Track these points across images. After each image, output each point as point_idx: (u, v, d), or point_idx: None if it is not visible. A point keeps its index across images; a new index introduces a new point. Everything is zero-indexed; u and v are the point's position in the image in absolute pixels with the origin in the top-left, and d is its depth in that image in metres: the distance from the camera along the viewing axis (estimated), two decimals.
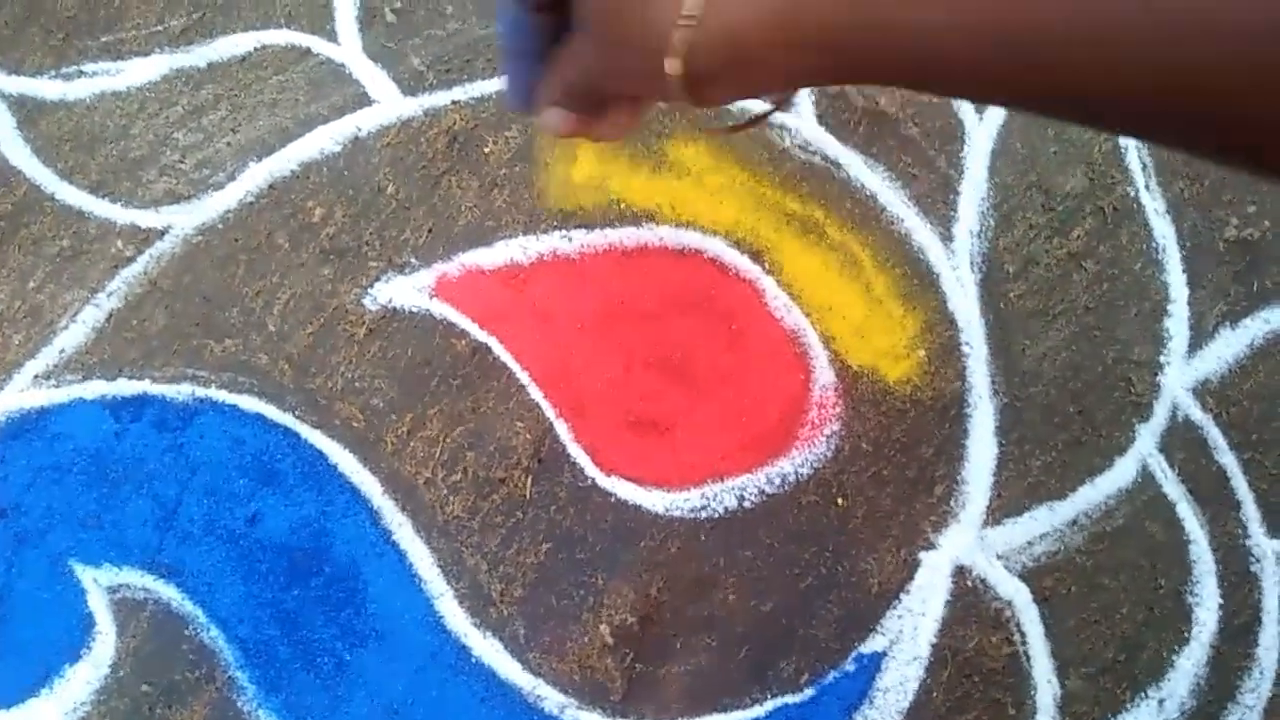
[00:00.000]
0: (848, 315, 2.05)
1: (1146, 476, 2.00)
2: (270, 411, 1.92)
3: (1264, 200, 2.13)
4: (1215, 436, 2.02)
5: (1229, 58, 0.51)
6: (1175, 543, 1.97)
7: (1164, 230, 2.11)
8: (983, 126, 2.16)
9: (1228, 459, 2.01)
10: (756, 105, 2.04)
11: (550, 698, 1.83)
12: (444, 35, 2.14)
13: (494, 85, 2.11)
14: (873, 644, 1.90)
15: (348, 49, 2.13)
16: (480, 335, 1.98)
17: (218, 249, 2.01)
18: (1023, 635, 1.92)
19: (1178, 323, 2.07)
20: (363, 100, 2.10)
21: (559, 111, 0.83)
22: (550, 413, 1.96)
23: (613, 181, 2.07)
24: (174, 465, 1.87)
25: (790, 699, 1.87)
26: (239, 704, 1.81)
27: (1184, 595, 1.96)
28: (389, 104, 2.10)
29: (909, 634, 1.91)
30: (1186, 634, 1.94)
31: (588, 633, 1.87)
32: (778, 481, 1.96)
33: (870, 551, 1.94)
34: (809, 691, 1.88)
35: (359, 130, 2.08)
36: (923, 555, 1.94)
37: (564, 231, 2.04)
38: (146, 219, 2.01)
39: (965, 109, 2.16)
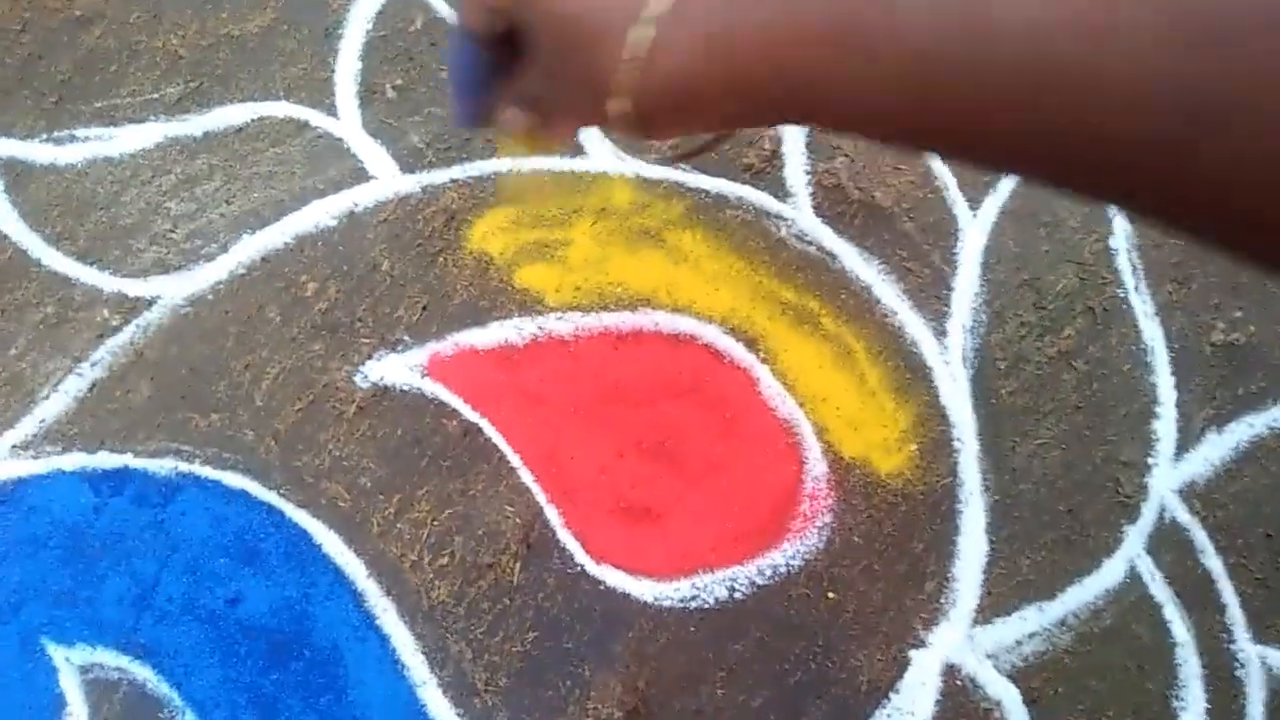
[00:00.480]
0: (841, 406, 2.04)
1: (1134, 577, 1.99)
2: (255, 489, 1.88)
3: (1250, 305, 2.15)
4: (1201, 539, 2.02)
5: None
6: (1162, 646, 1.96)
7: (1153, 332, 2.13)
8: (976, 222, 2.18)
9: (1214, 562, 2.01)
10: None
11: None
12: (444, 114, 2.14)
13: (494, 165, 2.11)
14: None
15: (347, 124, 2.12)
16: (472, 416, 1.96)
17: (207, 321, 1.97)
18: None
19: (1166, 424, 2.08)
20: (360, 176, 2.09)
21: (514, 111, 0.83)
22: (541, 497, 1.93)
23: (611, 264, 2.07)
24: (154, 542, 1.82)
25: None
26: None
27: (1170, 699, 1.94)
28: (387, 180, 2.09)
29: None
30: None
31: None
32: (769, 573, 1.94)
33: (860, 648, 1.92)
34: None
35: (355, 205, 2.07)
36: (913, 653, 1.92)
37: (560, 314, 2.03)
38: (135, 288, 1.98)
39: (960, 205, 2.18)
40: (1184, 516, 2.03)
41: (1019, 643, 1.94)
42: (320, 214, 2.05)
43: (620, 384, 2.01)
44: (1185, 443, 2.08)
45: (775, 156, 2.19)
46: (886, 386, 2.06)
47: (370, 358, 1.97)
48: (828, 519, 1.98)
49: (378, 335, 1.98)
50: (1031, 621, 1.96)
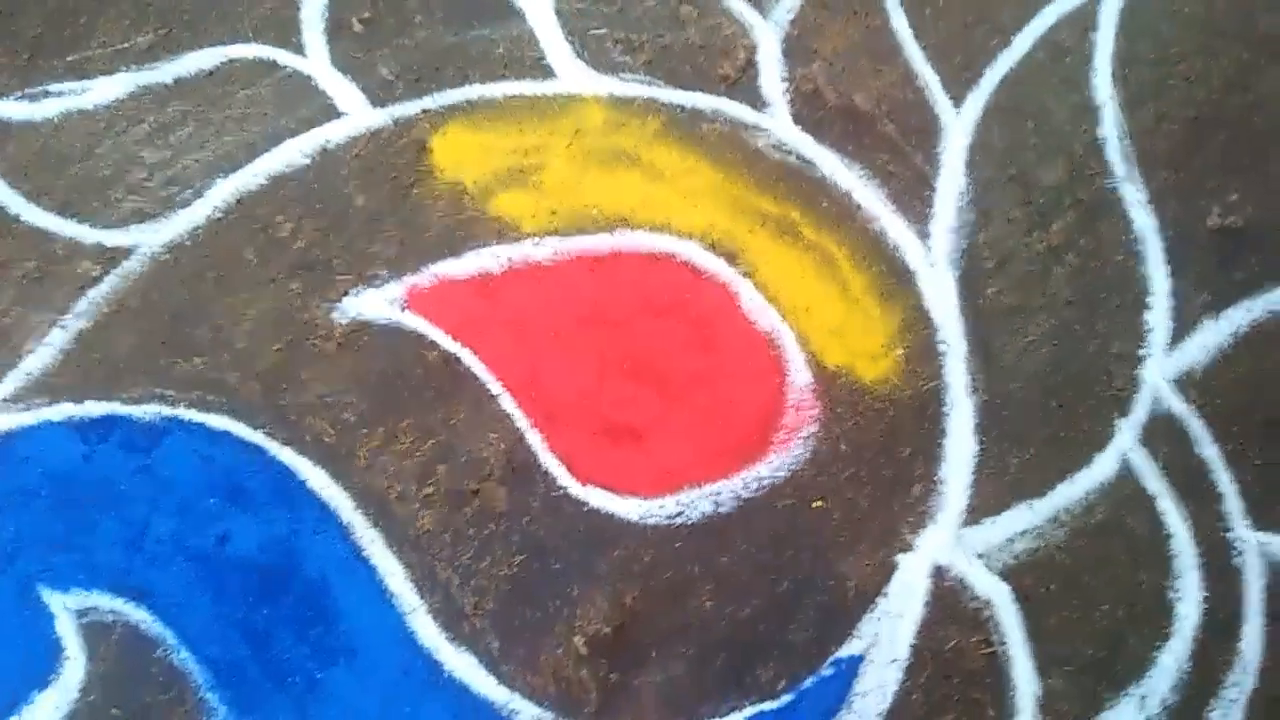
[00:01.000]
0: (824, 316, 2.03)
1: (1127, 471, 1.97)
2: (239, 429, 1.92)
3: (1247, 187, 2.10)
4: (1197, 428, 1.99)
5: None
6: (1156, 538, 1.95)
7: (1145, 221, 2.08)
8: (960, 120, 2.14)
9: (1210, 451, 1.98)
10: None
11: (525, 711, 1.82)
12: (412, 44, 2.14)
13: (463, 93, 2.11)
14: (850, 648, 1.89)
15: (315, 61, 2.12)
16: (452, 346, 1.98)
17: (185, 267, 2.01)
18: (1002, 635, 1.90)
19: (1159, 315, 2.05)
20: (331, 112, 2.09)
21: None
22: (523, 423, 1.95)
23: (586, 186, 2.06)
24: (143, 486, 1.87)
25: (768, 705, 1.86)
26: None
27: (1165, 591, 1.93)
28: (357, 115, 2.09)
29: (887, 637, 1.90)
30: (1168, 630, 1.92)
31: (562, 644, 1.86)
32: (754, 486, 1.95)
33: (847, 554, 1.93)
34: (787, 697, 1.87)
35: (327, 143, 2.07)
36: (900, 557, 1.93)
37: (536, 239, 2.03)
38: (114, 238, 2.02)
39: (942, 104, 2.14)
40: (1179, 406, 2.00)
41: (1009, 541, 1.94)
42: (293, 153, 2.06)
43: (599, 306, 2.01)
44: (1180, 332, 2.04)
45: (750, 65, 2.16)
46: (870, 293, 2.05)
47: (348, 294, 1.99)
48: (813, 429, 1.98)
49: (355, 271, 2.00)
50: (1022, 520, 1.95)
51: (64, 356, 1.95)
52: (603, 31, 2.16)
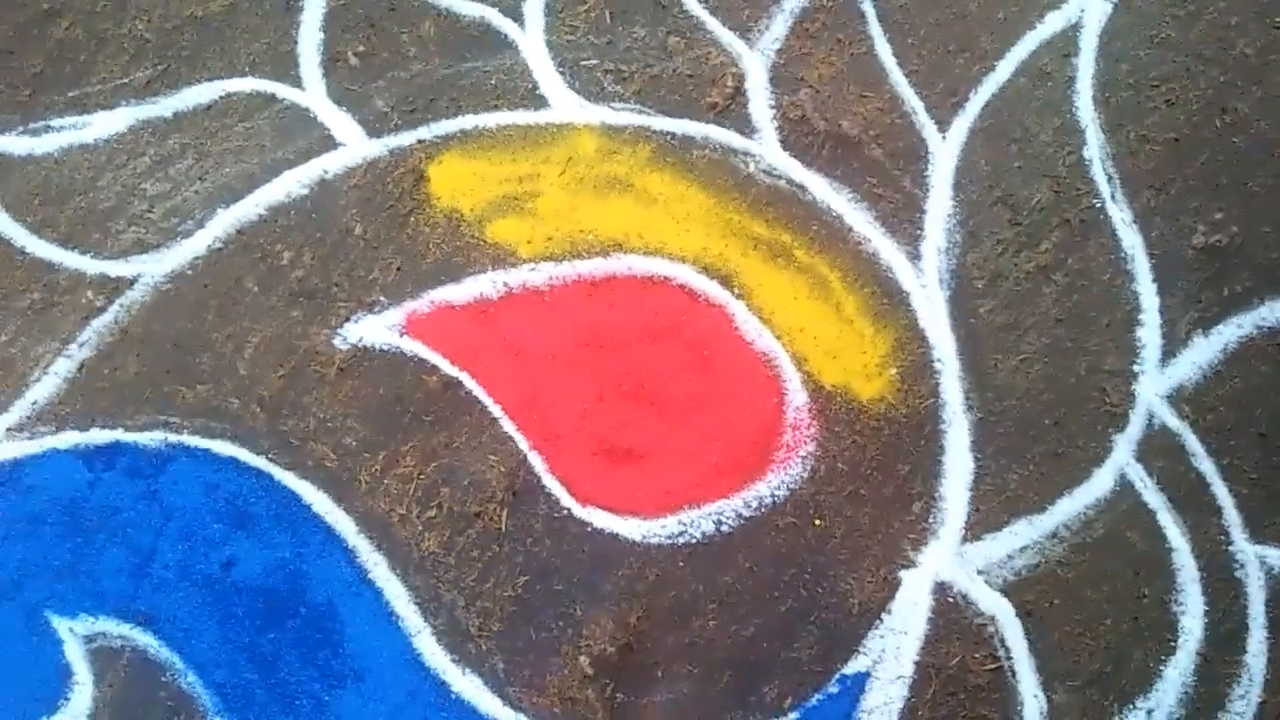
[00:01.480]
0: (819, 336, 2.05)
1: (1125, 486, 1.99)
2: (243, 455, 1.93)
3: (1231, 205, 2.13)
4: (1192, 443, 2.01)
5: None
6: (1157, 551, 1.96)
7: (1132, 240, 2.11)
8: (946, 144, 2.17)
9: (1206, 465, 2.00)
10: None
11: None
12: (407, 76, 2.17)
13: (458, 123, 2.13)
14: (855, 665, 1.90)
15: (312, 94, 2.15)
16: (451, 371, 1.99)
17: (187, 296, 2.02)
18: (1007, 650, 1.91)
19: (1150, 331, 2.07)
20: (328, 143, 2.12)
21: None
22: (524, 445, 1.96)
23: (580, 212, 2.09)
24: (148, 512, 1.88)
25: None
26: None
27: (1169, 604, 1.95)
28: (355, 146, 2.12)
29: (891, 653, 1.90)
30: (1173, 643, 1.93)
31: (567, 664, 1.86)
32: (755, 505, 1.96)
33: (850, 571, 1.94)
34: (792, 715, 1.87)
35: (325, 173, 2.10)
36: (903, 574, 1.94)
37: (533, 264, 2.05)
38: (116, 269, 2.03)
39: (929, 128, 2.17)
40: (1173, 422, 2.02)
41: (1010, 557, 1.95)
42: (291, 184, 2.08)
43: (596, 329, 2.03)
44: (1171, 348, 2.07)
45: (739, 93, 2.19)
46: (864, 313, 2.07)
47: (348, 320, 2.01)
48: (811, 448, 1.99)
49: (354, 298, 2.02)
50: (1022, 535, 1.97)
51: (69, 385, 1.96)
52: (594, 62, 2.20)
